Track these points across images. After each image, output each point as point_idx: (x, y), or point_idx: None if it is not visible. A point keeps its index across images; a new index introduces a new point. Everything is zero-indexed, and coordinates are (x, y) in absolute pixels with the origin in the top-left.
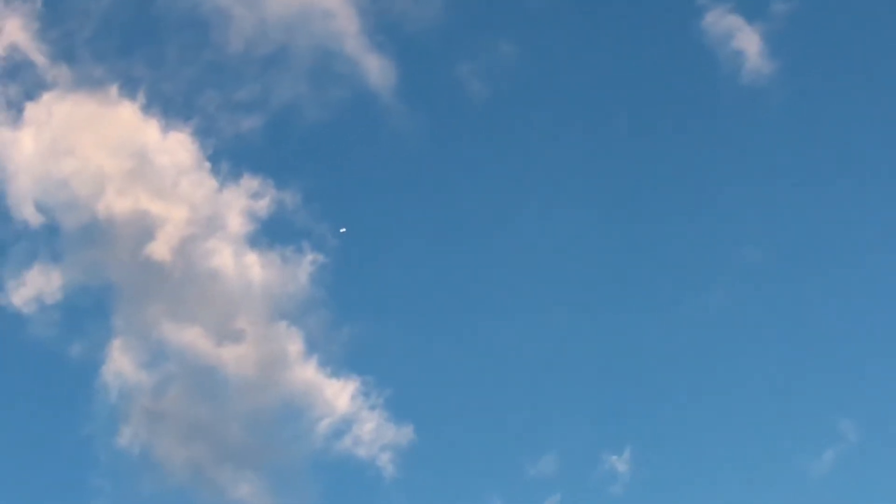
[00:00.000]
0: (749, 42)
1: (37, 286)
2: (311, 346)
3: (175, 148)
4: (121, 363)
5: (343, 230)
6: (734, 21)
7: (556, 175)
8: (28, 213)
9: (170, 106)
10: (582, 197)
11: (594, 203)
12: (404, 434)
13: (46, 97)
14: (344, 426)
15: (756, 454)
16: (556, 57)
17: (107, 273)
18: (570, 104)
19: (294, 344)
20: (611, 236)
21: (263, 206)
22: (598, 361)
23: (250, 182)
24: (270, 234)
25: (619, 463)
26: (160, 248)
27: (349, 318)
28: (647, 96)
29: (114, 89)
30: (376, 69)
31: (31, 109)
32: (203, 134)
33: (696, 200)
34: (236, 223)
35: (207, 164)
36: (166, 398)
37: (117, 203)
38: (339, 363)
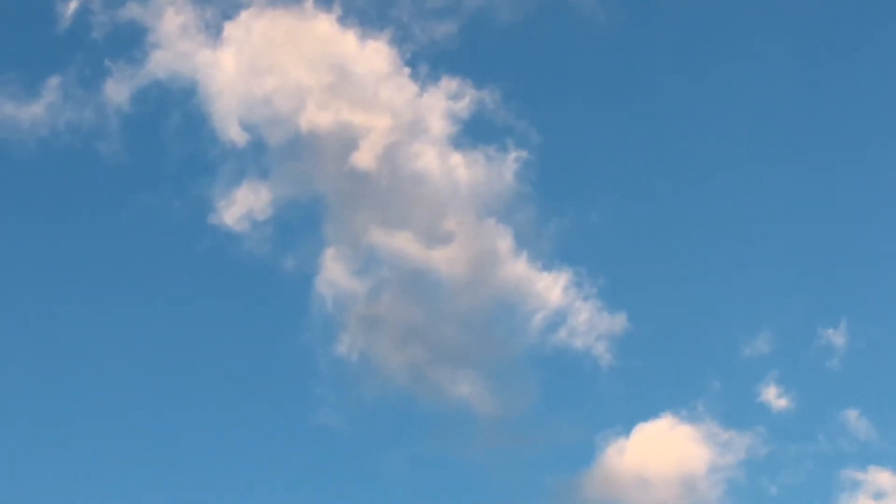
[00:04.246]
0: None
1: (247, 204)
2: (521, 242)
3: (373, 57)
4: (334, 272)
5: None
6: None
7: (758, 48)
8: (234, 133)
9: (365, 17)
10: (787, 82)
11: (802, 90)
12: (618, 322)
13: (244, 16)
14: (558, 319)
15: None
16: None
17: (314, 186)
18: None
19: (503, 241)
20: (826, 105)
21: (464, 106)
22: (806, 233)
23: (449, 84)
24: (473, 134)
25: (836, 336)
26: (365, 157)
27: (556, 212)
28: None
29: (309, 3)
30: None
31: (229, 29)
32: (399, 42)
33: None
34: (438, 126)
35: (406, 70)
36: (381, 304)
37: (320, 116)
38: (549, 257)
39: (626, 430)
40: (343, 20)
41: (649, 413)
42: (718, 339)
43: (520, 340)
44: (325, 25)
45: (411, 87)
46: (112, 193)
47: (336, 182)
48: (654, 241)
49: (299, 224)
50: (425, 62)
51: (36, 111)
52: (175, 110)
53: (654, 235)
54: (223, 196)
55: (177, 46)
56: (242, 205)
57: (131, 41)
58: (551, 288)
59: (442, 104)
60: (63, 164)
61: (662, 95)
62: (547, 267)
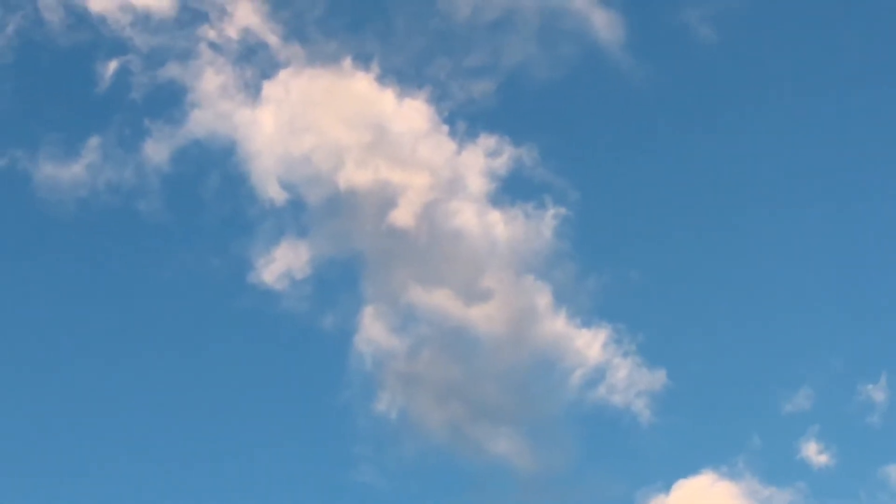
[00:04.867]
0: None
1: (286, 262)
2: (560, 299)
3: (411, 115)
4: (373, 330)
5: None
6: None
7: (790, 111)
8: (273, 191)
9: (403, 76)
10: (817, 133)
11: (830, 140)
12: (658, 378)
13: (282, 75)
14: (597, 375)
15: None
16: None
17: (353, 244)
18: (802, 42)
19: (542, 298)
20: (867, 153)
21: (502, 163)
22: (845, 288)
23: (487, 141)
24: (511, 191)
25: (876, 391)
26: (403, 215)
27: (595, 268)
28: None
29: (347, 62)
30: (604, 23)
31: (268, 88)
32: (437, 100)
33: None
34: (476, 183)
35: (445, 128)
36: (420, 361)
37: (358, 174)
38: (588, 313)
39: (667, 487)
40: (381, 79)
41: (689, 469)
42: (758, 395)
43: (559, 397)
44: (363, 84)
45: (449, 145)
46: (152, 252)
47: (375, 240)
48: (693, 297)
49: (338, 282)
50: (463, 120)
51: (76, 171)
52: (214, 169)
53: (693, 291)
54: (262, 254)
55: (216, 106)
56: (281, 263)
57: (171, 101)
58: (590, 344)
59: (480, 161)
60: (103, 224)
61: (700, 152)
62: (586, 323)
